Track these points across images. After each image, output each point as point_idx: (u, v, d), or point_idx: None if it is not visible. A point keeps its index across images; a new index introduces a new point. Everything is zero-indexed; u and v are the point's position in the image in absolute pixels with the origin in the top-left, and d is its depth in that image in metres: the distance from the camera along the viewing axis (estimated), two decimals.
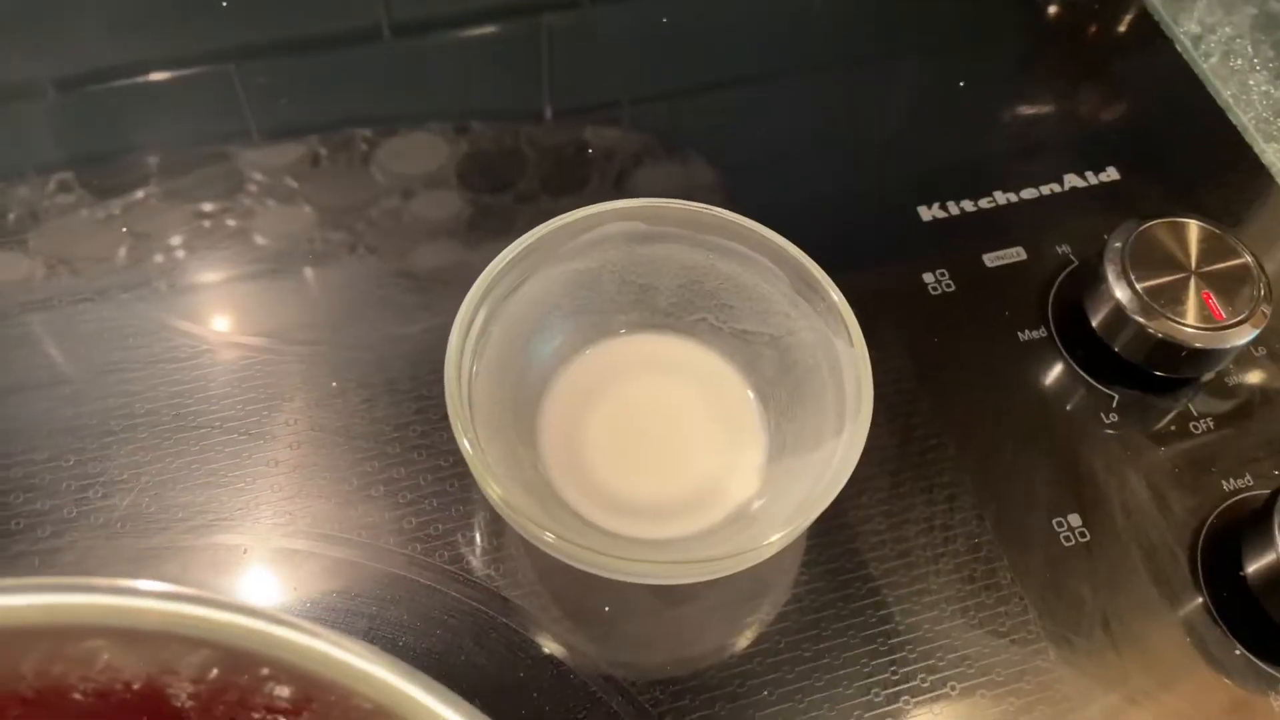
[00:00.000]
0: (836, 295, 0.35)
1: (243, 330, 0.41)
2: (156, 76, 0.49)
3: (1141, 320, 0.39)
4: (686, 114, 0.50)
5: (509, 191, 0.46)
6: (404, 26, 0.51)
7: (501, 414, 0.35)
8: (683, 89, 0.50)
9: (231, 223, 0.44)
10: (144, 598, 0.23)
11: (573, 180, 0.46)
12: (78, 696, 0.26)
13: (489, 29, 0.52)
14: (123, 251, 0.43)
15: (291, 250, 0.43)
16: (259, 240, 0.44)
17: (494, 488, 0.31)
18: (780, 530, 0.32)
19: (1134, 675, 0.35)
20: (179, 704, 0.26)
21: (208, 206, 0.44)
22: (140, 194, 0.44)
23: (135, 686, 0.26)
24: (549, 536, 0.31)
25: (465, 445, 0.32)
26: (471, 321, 0.34)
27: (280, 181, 0.45)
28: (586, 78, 0.50)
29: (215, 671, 0.24)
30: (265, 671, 0.24)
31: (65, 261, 0.43)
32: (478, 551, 0.37)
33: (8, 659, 0.24)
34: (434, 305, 0.42)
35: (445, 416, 0.33)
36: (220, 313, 0.42)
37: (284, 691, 0.24)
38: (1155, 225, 0.41)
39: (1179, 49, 0.52)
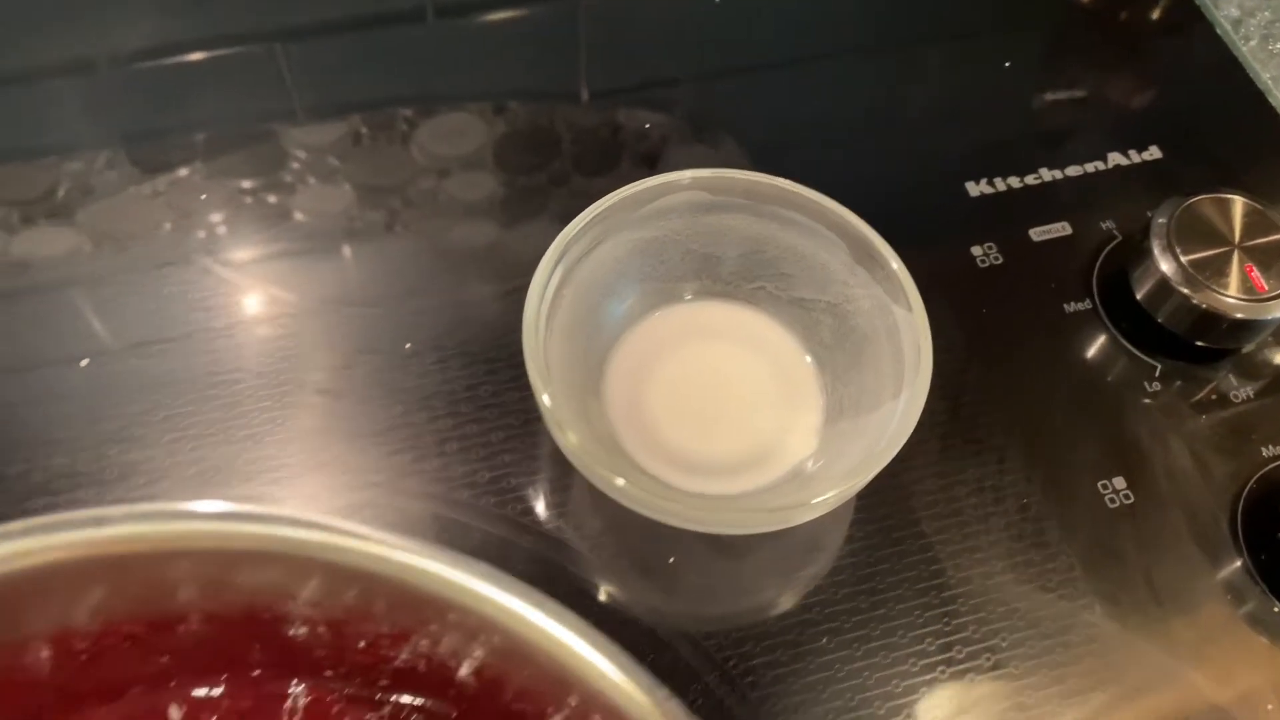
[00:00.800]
0: (896, 264, 0.36)
1: (323, 297, 0.43)
2: (204, 55, 0.50)
3: (1186, 292, 0.40)
4: (724, 95, 0.51)
5: (543, 172, 0.47)
6: (447, 8, 0.53)
7: (573, 372, 0.37)
8: (721, 70, 0.52)
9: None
10: (256, 522, 0.25)
11: (606, 162, 0.48)
12: (186, 626, 0.28)
13: (528, 10, 0.53)
14: (169, 226, 0.45)
15: (363, 218, 0.45)
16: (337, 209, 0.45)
17: (570, 436, 0.33)
18: (839, 486, 0.33)
19: (1177, 630, 0.37)
20: (292, 631, 0.28)
21: (248, 184, 0.46)
22: (184, 171, 0.46)
23: (240, 614, 0.28)
24: (620, 482, 0.33)
25: (545, 399, 0.34)
26: (546, 284, 0.36)
27: (322, 160, 0.47)
28: (623, 59, 0.52)
29: (326, 595, 0.26)
30: (381, 599, 0.26)
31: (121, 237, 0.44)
32: (547, 505, 0.38)
33: (115, 587, 0.26)
34: (490, 276, 0.44)
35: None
36: (296, 281, 0.43)
37: (390, 614, 0.26)
38: (1200, 201, 0.42)
39: (1219, 33, 0.53)
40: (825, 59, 0.52)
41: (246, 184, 0.46)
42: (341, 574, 0.25)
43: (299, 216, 0.45)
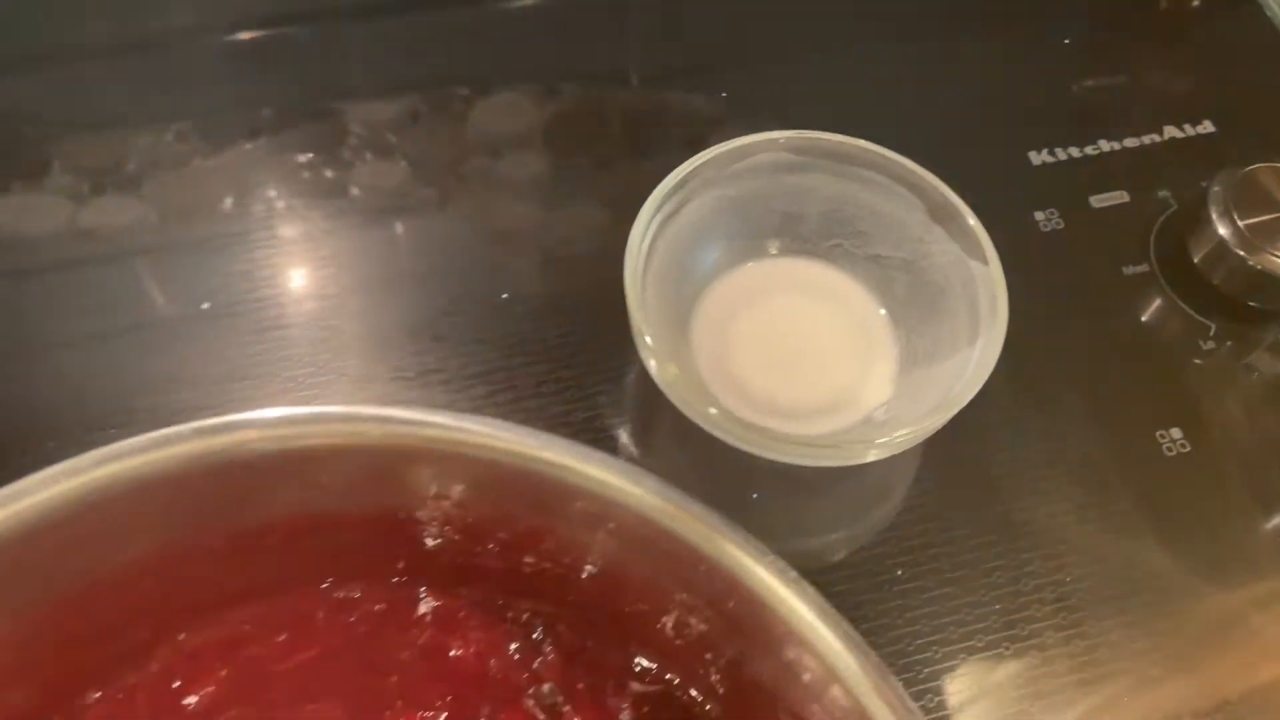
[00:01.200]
0: (973, 220, 0.39)
1: (382, 272, 0.46)
2: (271, 32, 0.52)
3: (1242, 254, 0.43)
4: (774, 78, 0.52)
5: (590, 154, 0.49)
6: None
7: (665, 318, 0.39)
8: (771, 53, 0.53)
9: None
10: (415, 426, 0.27)
11: (655, 144, 0.50)
12: (337, 529, 0.30)
13: None
14: (230, 202, 0.47)
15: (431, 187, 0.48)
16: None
17: (670, 369, 0.36)
18: (914, 426, 0.36)
19: (1233, 572, 0.39)
20: (428, 538, 0.31)
21: (304, 158, 0.48)
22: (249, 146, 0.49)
23: (385, 518, 0.30)
24: (713, 410, 0.35)
25: (647, 339, 0.36)
26: (644, 236, 0.38)
27: (380, 136, 0.49)
28: (673, 42, 0.54)
29: (467, 495, 0.29)
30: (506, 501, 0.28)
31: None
32: (637, 442, 0.41)
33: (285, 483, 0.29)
34: (557, 245, 0.46)
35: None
36: (355, 251, 0.46)
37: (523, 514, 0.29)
38: (1256, 169, 0.44)
39: (1268, 15, 0.55)
40: (881, 39, 0.54)
41: (302, 159, 0.49)
42: (483, 471, 0.27)
43: (354, 191, 0.48)
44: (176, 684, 0.31)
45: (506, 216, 0.47)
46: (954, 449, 0.41)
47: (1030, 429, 0.42)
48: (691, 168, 0.40)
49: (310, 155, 0.49)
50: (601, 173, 0.49)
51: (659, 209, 0.39)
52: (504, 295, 0.44)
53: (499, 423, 0.26)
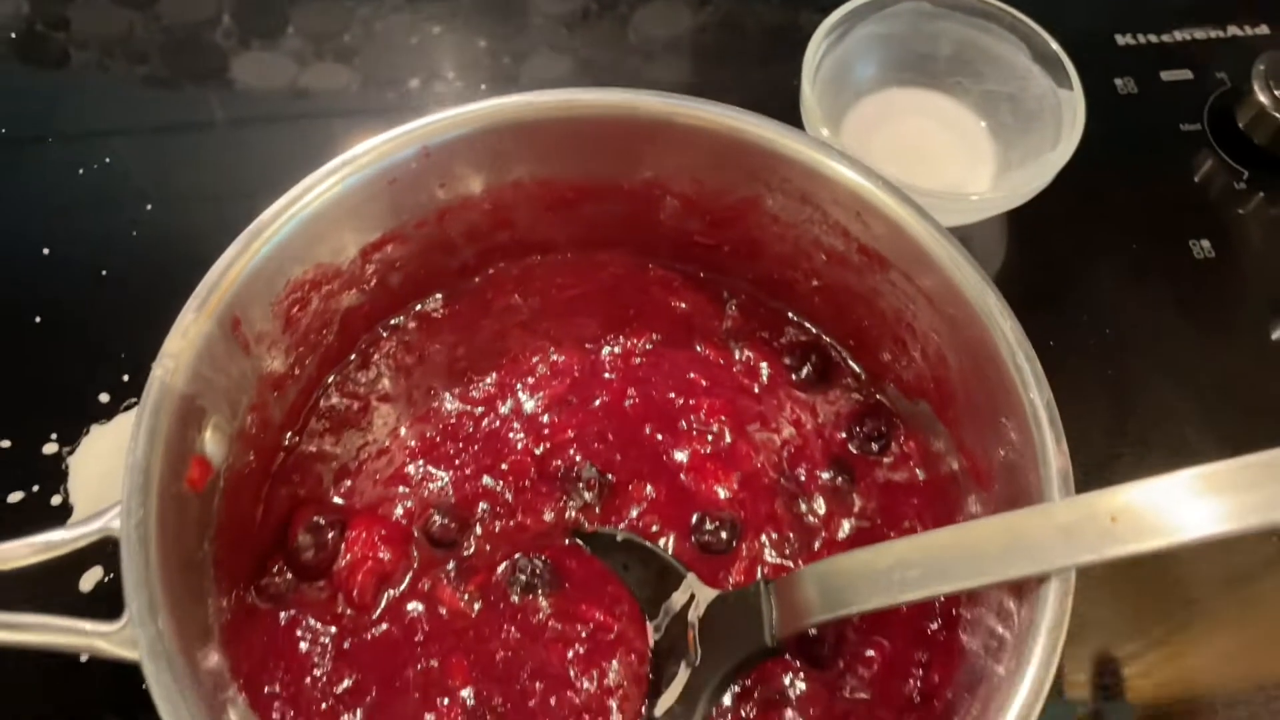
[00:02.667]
0: (1065, 58, 0.51)
1: None
2: None
3: (1277, 116, 0.55)
4: None
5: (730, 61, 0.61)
6: None
7: (823, 113, 0.53)
8: None
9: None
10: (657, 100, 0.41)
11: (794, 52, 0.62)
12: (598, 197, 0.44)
13: None
14: (416, 82, 0.60)
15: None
16: None
17: (824, 131, 0.49)
18: (1010, 193, 0.49)
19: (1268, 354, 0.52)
20: (663, 213, 0.45)
21: (484, 43, 0.61)
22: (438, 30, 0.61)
23: (638, 192, 0.44)
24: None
25: (822, 130, 0.50)
26: (815, 53, 0.52)
27: (556, 29, 0.61)
28: None
29: (697, 167, 0.43)
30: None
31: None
32: None
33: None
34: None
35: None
36: None
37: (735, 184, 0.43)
38: None
39: None
40: None
41: (484, 44, 0.61)
42: (716, 143, 0.41)
43: (523, 81, 0.59)
44: (489, 296, 0.46)
45: None
46: (1042, 239, 0.54)
47: (1088, 229, 0.55)
48: (846, 10, 0.53)
49: (490, 43, 0.61)
50: (741, 81, 0.61)
51: (823, 40, 0.52)
52: None
53: (731, 107, 0.40)
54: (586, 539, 0.41)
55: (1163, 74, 0.60)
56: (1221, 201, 0.56)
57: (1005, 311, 0.38)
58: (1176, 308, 0.53)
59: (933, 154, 0.55)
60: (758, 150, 0.41)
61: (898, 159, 0.54)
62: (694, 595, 0.39)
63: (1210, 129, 0.58)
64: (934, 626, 0.39)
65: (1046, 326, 0.43)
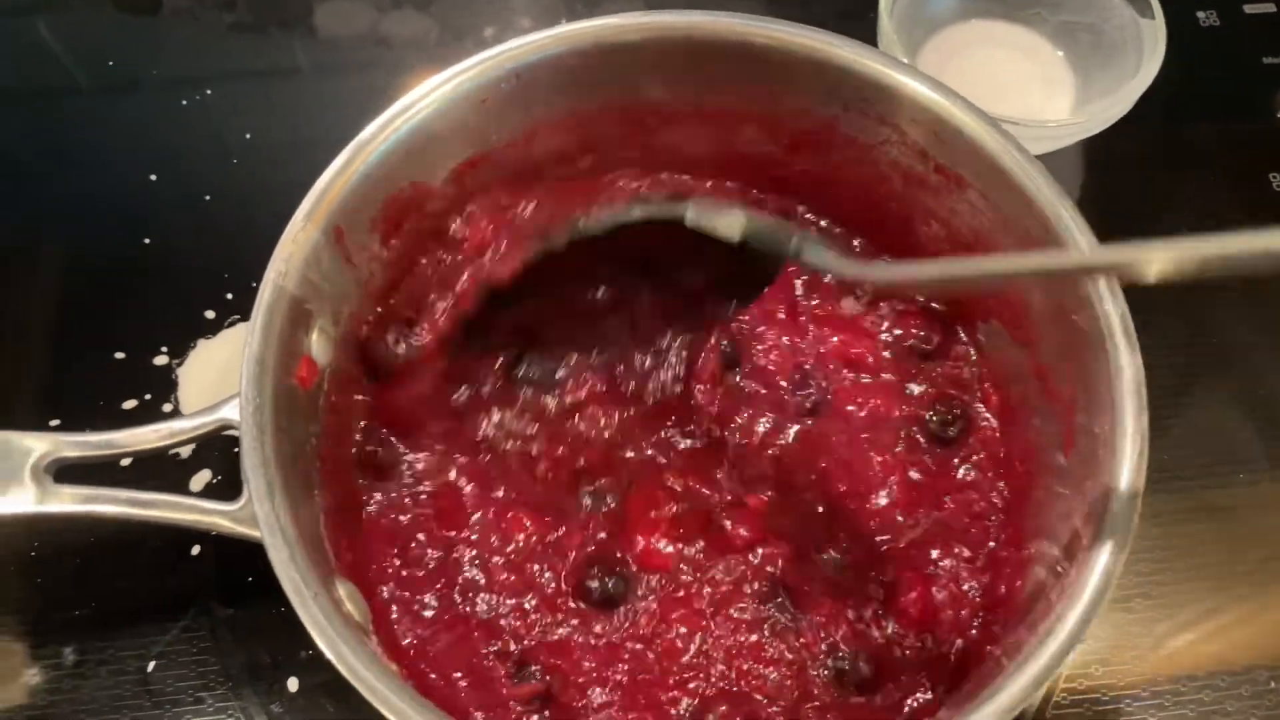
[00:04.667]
0: None
1: None
2: None
3: None
4: None
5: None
6: None
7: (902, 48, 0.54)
8: None
9: None
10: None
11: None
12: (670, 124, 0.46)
13: None
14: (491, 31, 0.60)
15: None
16: None
17: (905, 59, 0.50)
18: (1088, 122, 0.49)
19: None
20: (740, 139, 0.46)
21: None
22: None
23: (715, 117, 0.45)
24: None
25: (899, 55, 0.50)
26: None
27: None
28: None
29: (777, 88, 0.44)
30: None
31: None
32: None
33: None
34: None
35: None
36: None
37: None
38: None
39: None
40: None
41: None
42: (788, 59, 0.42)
43: None
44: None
45: None
46: (1114, 166, 0.54)
47: (1166, 162, 0.55)
48: None
49: None
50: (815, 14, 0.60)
51: None
52: None
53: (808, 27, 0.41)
54: None
55: (1245, 7, 0.59)
56: None
57: (1083, 228, 0.38)
58: None
59: (1011, 84, 0.55)
60: (835, 69, 0.42)
61: (975, 89, 0.54)
62: None
63: None
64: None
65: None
